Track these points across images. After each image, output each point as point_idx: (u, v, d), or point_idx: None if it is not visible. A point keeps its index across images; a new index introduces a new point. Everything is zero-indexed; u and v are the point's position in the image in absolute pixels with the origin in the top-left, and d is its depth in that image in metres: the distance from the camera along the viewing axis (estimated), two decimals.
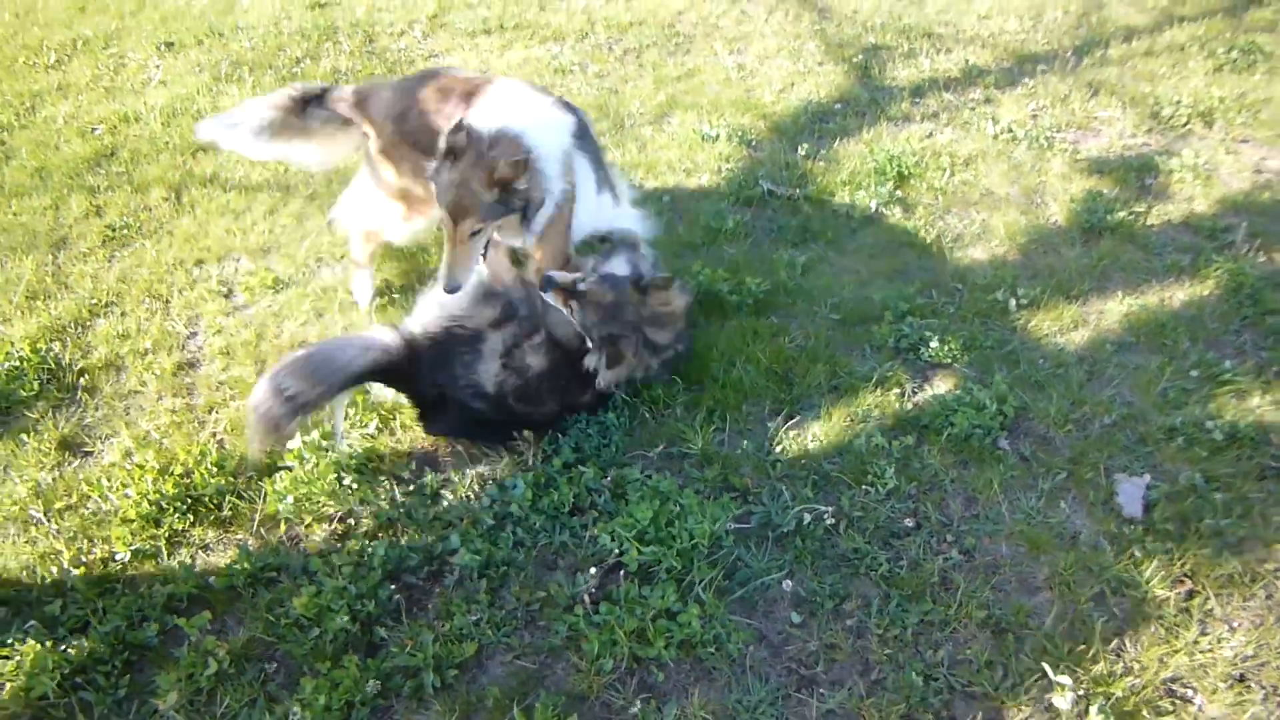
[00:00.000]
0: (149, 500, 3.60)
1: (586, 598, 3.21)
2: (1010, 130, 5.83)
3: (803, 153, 5.66)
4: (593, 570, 3.27)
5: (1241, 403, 3.98)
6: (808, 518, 3.47)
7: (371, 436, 3.92)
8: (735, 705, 2.96)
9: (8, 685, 3.03)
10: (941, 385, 4.09)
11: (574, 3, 7.83)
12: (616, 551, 3.33)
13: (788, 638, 3.17)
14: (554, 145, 3.77)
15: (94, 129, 6.30)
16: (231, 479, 3.74)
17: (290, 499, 3.63)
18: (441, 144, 3.58)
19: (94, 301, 4.76)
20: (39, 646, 3.07)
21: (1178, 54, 6.69)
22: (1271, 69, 6.45)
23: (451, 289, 3.66)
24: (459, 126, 3.55)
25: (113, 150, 6.06)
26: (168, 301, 4.79)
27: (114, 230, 5.30)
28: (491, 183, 3.52)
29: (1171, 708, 2.96)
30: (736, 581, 3.30)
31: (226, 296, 4.83)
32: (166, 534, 3.55)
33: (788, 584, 3.30)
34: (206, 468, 3.74)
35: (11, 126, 6.40)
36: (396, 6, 7.89)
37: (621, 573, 3.31)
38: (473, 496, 3.66)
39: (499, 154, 3.53)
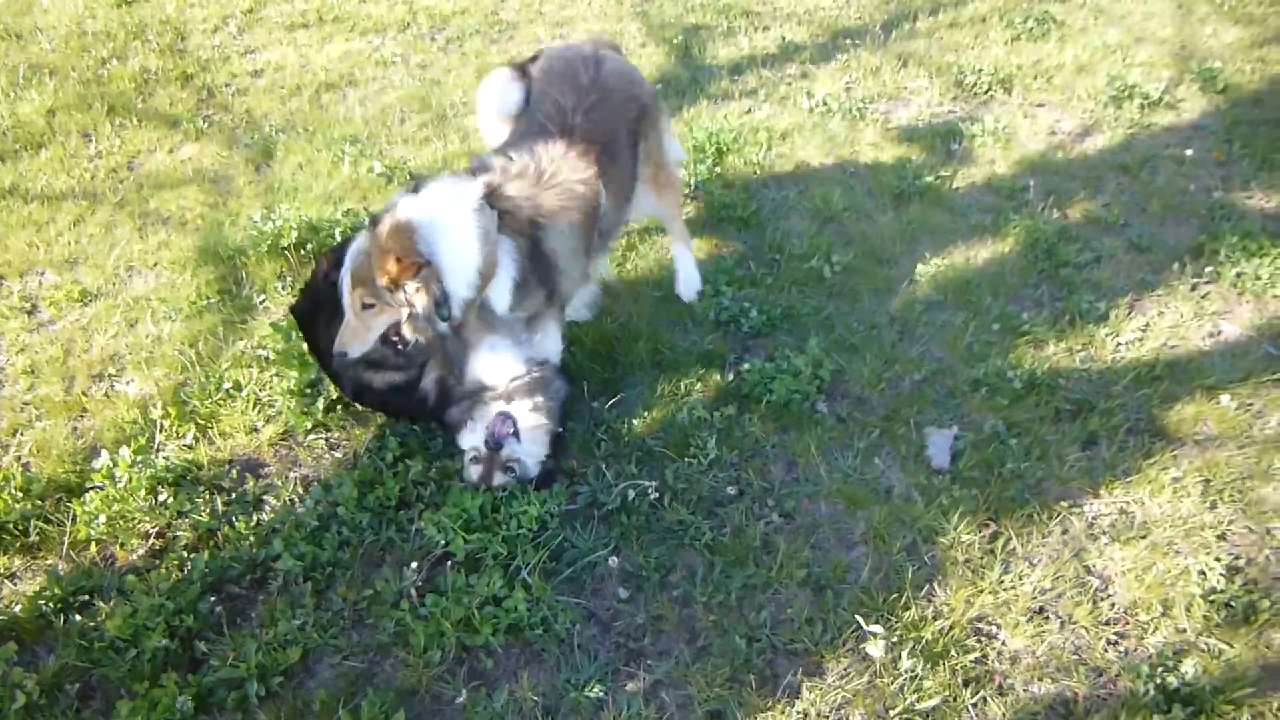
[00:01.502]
0: None
1: (413, 591, 3.19)
2: (825, 103, 6.01)
3: None
4: (414, 564, 3.25)
5: (1039, 351, 4.22)
6: (632, 494, 3.53)
7: (189, 447, 3.81)
8: (564, 684, 3.00)
9: None
10: (761, 354, 4.20)
11: None
12: (443, 542, 3.32)
13: (616, 613, 3.23)
14: (464, 245, 3.28)
15: None
16: (38, 502, 3.57)
17: (102, 518, 3.49)
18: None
19: None
20: None
21: (979, 25, 7.00)
22: (1063, 36, 6.81)
23: (339, 354, 3.46)
24: (390, 203, 3.34)
25: None
26: None
27: None
28: (383, 270, 3.23)
29: (978, 645, 3.13)
30: (564, 562, 3.33)
31: (30, 313, 4.59)
32: None
33: (614, 560, 3.36)
34: (10, 493, 3.56)
35: None
36: (209, 1, 7.59)
37: (449, 563, 3.30)
38: (296, 500, 3.59)
39: (393, 247, 3.20)
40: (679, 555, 3.39)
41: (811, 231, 4.94)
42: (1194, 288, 4.62)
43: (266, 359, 4.13)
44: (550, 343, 3.75)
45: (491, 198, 3.36)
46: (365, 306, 3.35)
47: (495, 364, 3.60)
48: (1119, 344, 4.28)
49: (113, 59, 6.76)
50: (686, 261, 4.48)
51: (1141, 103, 5.98)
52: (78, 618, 3.19)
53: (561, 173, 3.52)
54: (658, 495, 3.55)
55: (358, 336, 3.42)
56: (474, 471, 3.51)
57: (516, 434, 3.48)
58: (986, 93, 6.18)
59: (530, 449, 3.54)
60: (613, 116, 3.78)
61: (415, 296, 3.24)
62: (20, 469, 3.74)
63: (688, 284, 4.49)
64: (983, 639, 3.16)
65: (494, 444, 3.42)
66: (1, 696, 2.94)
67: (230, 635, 3.14)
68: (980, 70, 6.30)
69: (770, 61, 6.55)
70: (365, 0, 7.58)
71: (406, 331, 3.41)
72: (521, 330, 3.64)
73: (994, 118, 5.89)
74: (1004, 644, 3.15)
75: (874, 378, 4.06)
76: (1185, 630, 3.17)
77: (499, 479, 3.48)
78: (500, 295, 3.44)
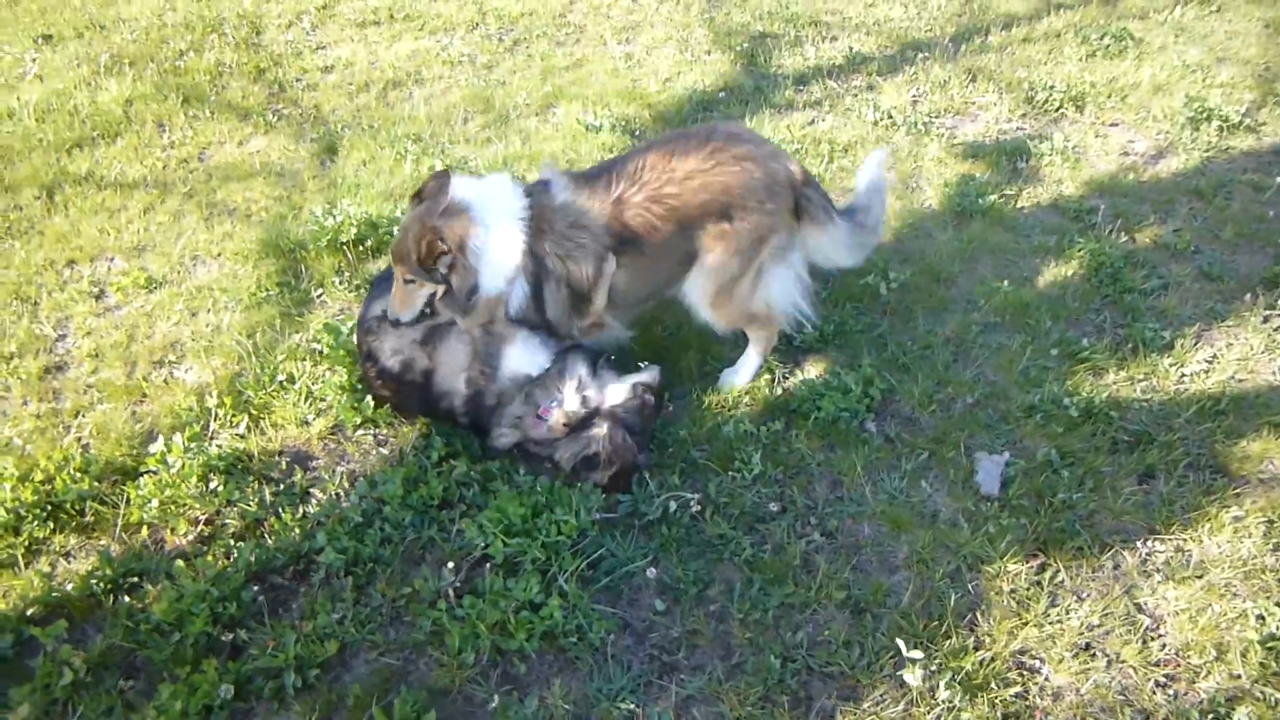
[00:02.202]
0: (5, 508, 3.51)
1: (451, 592, 3.21)
2: (890, 116, 5.93)
3: None
4: (452, 565, 3.26)
5: (1098, 379, 4.12)
6: (674, 505, 3.51)
7: (241, 436, 3.87)
8: (596, 694, 2.99)
9: None
10: (812, 370, 4.16)
11: None
12: (483, 545, 3.33)
13: (651, 625, 3.21)
14: (502, 247, 3.55)
15: None
16: (95, 484, 3.66)
17: (154, 503, 3.56)
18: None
19: None
20: None
21: (1053, 40, 6.86)
22: (1141, 54, 6.65)
23: (392, 321, 3.75)
24: (443, 174, 3.54)
25: None
26: (36, 304, 4.66)
27: None
28: (417, 248, 3.49)
29: (1019, 679, 3.06)
30: (602, 571, 3.33)
31: (98, 298, 4.72)
32: (25, 542, 3.47)
33: (652, 572, 3.34)
34: (69, 473, 3.66)
35: None
36: None
37: (488, 566, 3.31)
38: (342, 495, 3.64)
39: (441, 224, 3.48)
40: (718, 570, 3.37)
41: None
42: (1266, 319, 4.47)
43: (320, 353, 4.18)
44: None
45: (533, 215, 3.55)
46: (407, 281, 3.63)
47: (526, 354, 3.72)
48: (1183, 375, 4.16)
49: (190, 51, 6.92)
50: (751, 363, 4.11)
51: (1220, 125, 5.81)
52: (126, 599, 3.26)
53: (585, 233, 3.58)
54: (699, 508, 3.53)
55: (402, 303, 3.69)
56: (565, 450, 3.56)
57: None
58: (1057, 110, 6.06)
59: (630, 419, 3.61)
60: (684, 205, 3.57)
61: (451, 276, 3.56)
62: (80, 450, 3.84)
63: (735, 377, 4.13)
64: (1025, 673, 3.09)
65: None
66: (50, 673, 3.01)
67: (271, 625, 3.18)
68: (1052, 87, 6.18)
69: (836, 72, 6.49)
70: None
71: (440, 307, 3.70)
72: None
73: (1064, 136, 5.76)
74: (1047, 679, 3.08)
75: (925, 399, 4.00)
76: (1240, 676, 3.06)
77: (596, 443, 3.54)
78: (514, 302, 3.66)
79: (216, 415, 3.95)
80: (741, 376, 4.11)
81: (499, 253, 3.55)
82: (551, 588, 3.22)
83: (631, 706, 2.95)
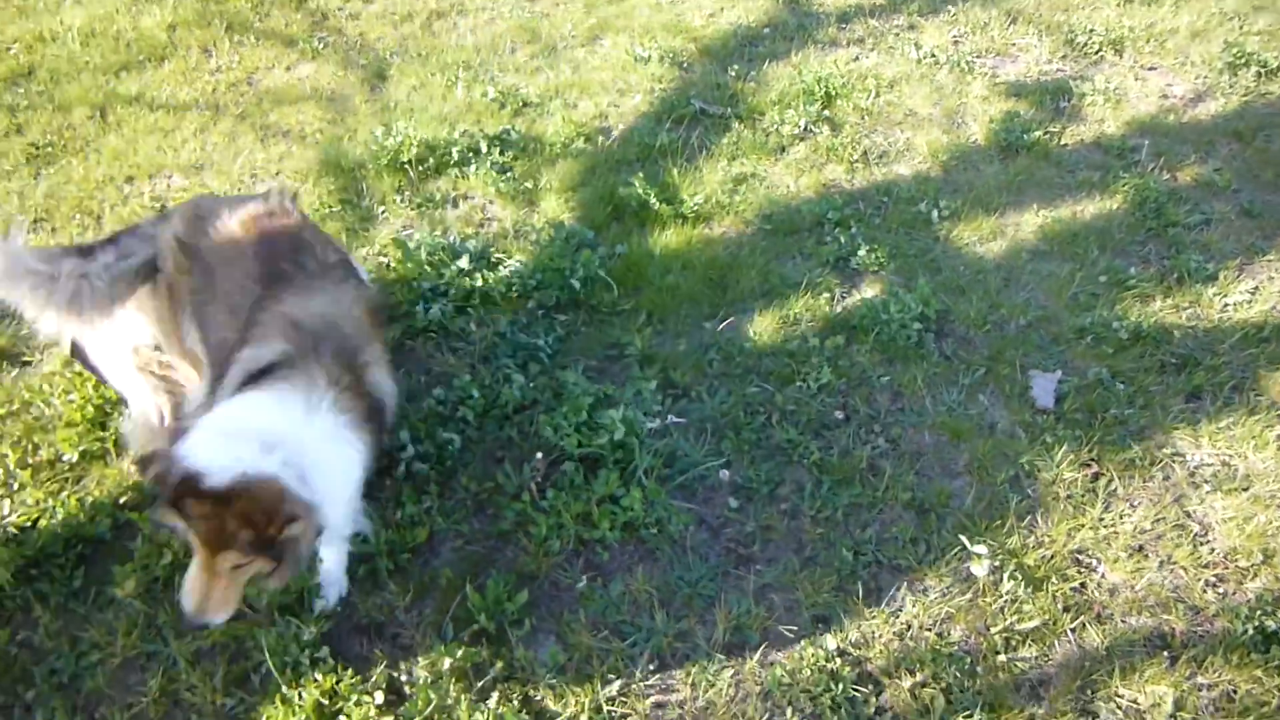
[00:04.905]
0: (93, 404, 3.61)
1: (533, 485, 3.33)
2: (933, 55, 6.00)
3: (733, 74, 5.76)
4: (539, 455, 3.39)
5: (1145, 306, 4.24)
6: (743, 413, 3.63)
7: None
8: (677, 581, 3.13)
9: None
10: (869, 291, 4.28)
11: None
12: (560, 445, 3.45)
13: (725, 521, 3.35)
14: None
15: (9, 48, 6.11)
16: None
17: None
18: None
19: (22, 218, 4.68)
20: None
21: None
22: (1178, 1, 6.71)
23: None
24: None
25: (30, 70, 5.89)
26: (99, 218, 4.73)
27: (37, 148, 5.18)
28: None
29: (1078, 575, 3.21)
30: (677, 470, 3.45)
31: (160, 211, 4.78)
32: (113, 437, 3.58)
33: (725, 473, 3.47)
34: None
35: None
36: None
37: (565, 464, 3.43)
38: (419, 394, 3.74)
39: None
40: (787, 471, 3.50)
41: (919, 177, 4.99)
42: None
43: (388, 266, 4.28)
44: None
45: None
46: (236, 567, 2.46)
47: None
48: (1226, 304, 4.29)
49: None
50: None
51: (1259, 70, 5.89)
52: None
53: None
54: (767, 415, 3.66)
55: (226, 601, 2.51)
56: None
57: None
58: (1097, 53, 6.13)
59: None
60: None
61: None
62: None
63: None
64: (1083, 569, 3.24)
65: None
66: (149, 554, 3.13)
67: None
68: (1091, 30, 6.25)
69: (878, 12, 6.55)
70: None
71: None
72: None
73: (1104, 78, 5.85)
74: (1103, 577, 3.23)
75: (980, 319, 4.12)
76: None
77: None
78: None
79: None
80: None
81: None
82: (629, 483, 3.35)
83: (712, 592, 3.10)
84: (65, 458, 3.49)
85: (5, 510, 3.30)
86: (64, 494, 3.37)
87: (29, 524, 3.26)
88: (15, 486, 3.40)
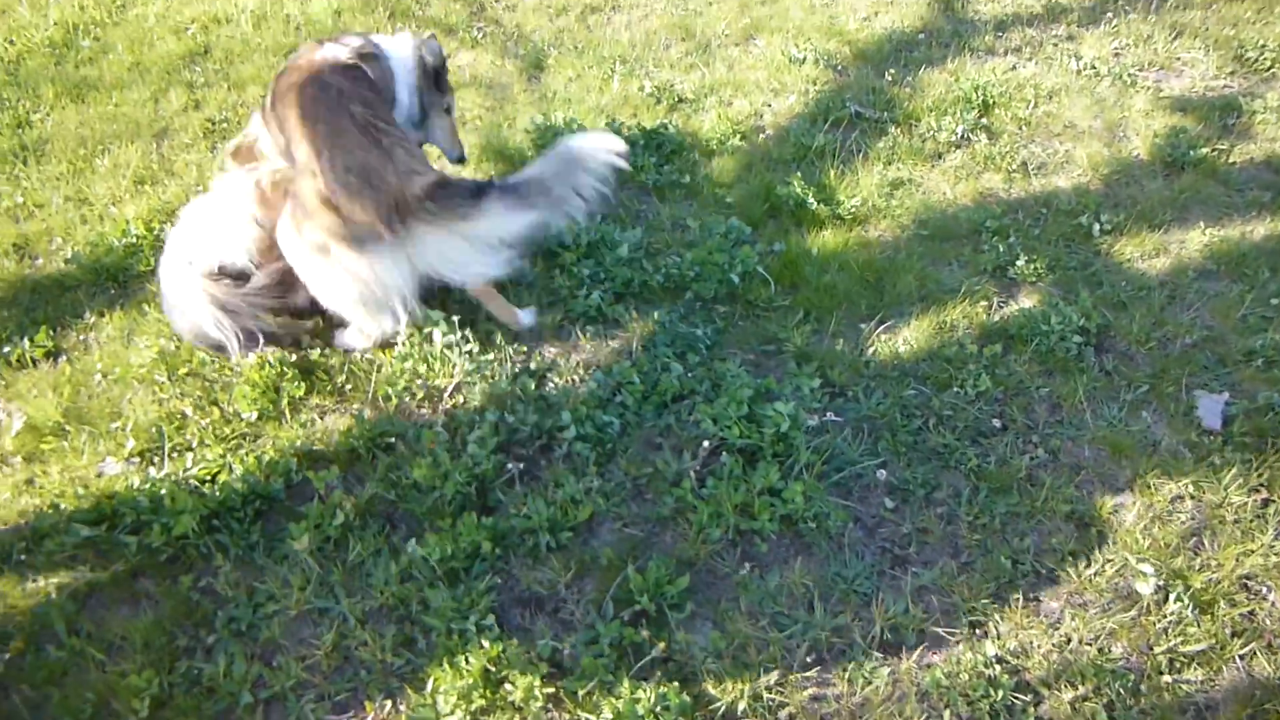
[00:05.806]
0: (269, 365, 3.80)
1: (693, 473, 3.39)
2: (1093, 67, 5.88)
3: (889, 79, 5.74)
4: (705, 443, 3.44)
5: None
6: (899, 415, 3.64)
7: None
8: (834, 576, 3.16)
9: (155, 525, 3.24)
10: (1027, 301, 4.23)
11: None
12: (719, 435, 3.51)
13: (881, 520, 3.36)
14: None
15: (186, 28, 6.44)
16: (345, 354, 3.93)
17: (408, 364, 3.80)
18: None
19: (199, 188, 4.92)
20: (179, 488, 3.31)
21: (1264, 0, 6.68)
22: None
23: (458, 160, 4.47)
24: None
25: (206, 49, 6.20)
26: None
27: (214, 123, 5.46)
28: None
29: (1246, 601, 3.13)
30: (834, 468, 3.48)
31: None
32: (287, 400, 3.75)
33: (882, 473, 3.48)
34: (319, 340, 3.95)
35: (104, 23, 6.54)
36: None
37: (724, 454, 3.48)
38: (578, 380, 3.83)
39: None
40: (944, 476, 3.49)
41: (1079, 190, 4.90)
42: None
43: (554, 252, 4.38)
44: None
45: None
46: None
47: None
48: None
49: None
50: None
51: None
52: (385, 455, 3.53)
53: None
54: (924, 419, 3.65)
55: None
56: None
57: None
58: (1269, 70, 5.91)
59: None
60: None
61: None
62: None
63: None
64: (1252, 596, 3.16)
65: None
66: (323, 514, 3.29)
67: (521, 490, 3.41)
68: (1263, 46, 6.03)
69: (1035, 21, 6.43)
70: None
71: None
72: None
73: (1276, 96, 5.64)
74: (1274, 605, 3.14)
75: (1143, 336, 4.04)
76: None
77: None
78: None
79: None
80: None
81: None
82: (788, 477, 3.38)
83: (868, 591, 3.12)
84: (244, 415, 3.69)
85: (189, 463, 3.50)
86: (242, 451, 3.57)
87: (209, 478, 3.46)
88: (195, 442, 3.61)
